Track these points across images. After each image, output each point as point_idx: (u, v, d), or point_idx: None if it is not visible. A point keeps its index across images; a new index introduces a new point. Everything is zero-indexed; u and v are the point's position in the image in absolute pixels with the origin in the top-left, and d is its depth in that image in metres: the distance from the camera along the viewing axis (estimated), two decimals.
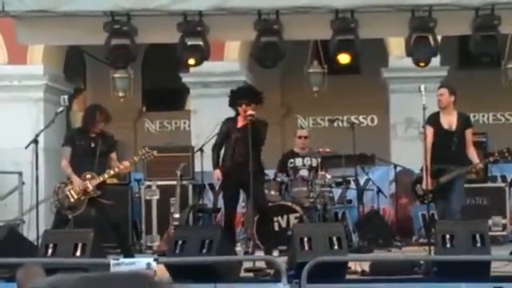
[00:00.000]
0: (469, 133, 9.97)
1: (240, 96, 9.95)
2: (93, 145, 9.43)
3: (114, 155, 9.61)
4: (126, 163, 9.54)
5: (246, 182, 9.56)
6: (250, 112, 9.66)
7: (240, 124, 9.93)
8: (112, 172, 9.46)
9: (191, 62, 9.75)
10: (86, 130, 9.56)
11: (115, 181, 11.42)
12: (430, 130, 9.85)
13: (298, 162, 11.57)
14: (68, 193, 9.36)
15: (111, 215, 9.48)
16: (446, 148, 9.57)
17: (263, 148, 10.03)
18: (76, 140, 9.53)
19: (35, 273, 5.06)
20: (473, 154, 9.97)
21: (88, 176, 9.33)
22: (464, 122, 9.98)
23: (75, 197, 9.34)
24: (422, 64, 9.56)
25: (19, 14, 9.49)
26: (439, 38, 9.98)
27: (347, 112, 15.16)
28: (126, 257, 8.55)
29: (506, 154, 10.04)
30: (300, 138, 11.87)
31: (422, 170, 10.07)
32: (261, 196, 9.96)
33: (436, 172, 9.64)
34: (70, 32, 9.86)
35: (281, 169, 11.59)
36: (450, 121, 9.73)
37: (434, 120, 9.89)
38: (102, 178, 9.37)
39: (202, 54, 9.55)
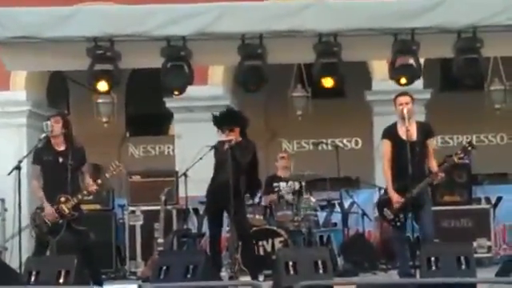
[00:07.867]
0: (431, 143, 9.40)
1: (221, 122, 10.00)
2: (61, 160, 9.16)
3: (84, 169, 9.34)
4: (94, 186, 9.22)
5: (228, 205, 9.55)
6: (227, 138, 9.72)
7: (224, 147, 9.94)
8: (85, 192, 9.23)
9: (176, 91, 9.80)
10: (50, 142, 9.27)
11: (98, 206, 11.35)
12: (387, 144, 9.36)
13: (283, 185, 11.56)
14: (45, 218, 9.20)
15: (83, 240, 9.21)
16: (407, 160, 8.97)
17: None
18: (43, 156, 9.26)
19: None
20: (434, 166, 9.31)
21: (62, 199, 9.12)
22: (425, 131, 9.39)
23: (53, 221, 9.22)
24: (404, 82, 9.57)
25: (4, 41, 9.47)
26: (422, 60, 10.01)
27: (331, 135, 15.17)
28: (94, 284, 8.41)
29: (469, 148, 9.39)
30: (283, 157, 11.93)
31: (385, 191, 9.61)
32: (242, 221, 9.93)
33: (403, 188, 9.16)
34: (53, 58, 9.84)
35: (267, 191, 11.58)
36: (408, 131, 9.15)
37: (389, 132, 9.39)
38: (76, 200, 9.15)
39: (186, 80, 9.56)
